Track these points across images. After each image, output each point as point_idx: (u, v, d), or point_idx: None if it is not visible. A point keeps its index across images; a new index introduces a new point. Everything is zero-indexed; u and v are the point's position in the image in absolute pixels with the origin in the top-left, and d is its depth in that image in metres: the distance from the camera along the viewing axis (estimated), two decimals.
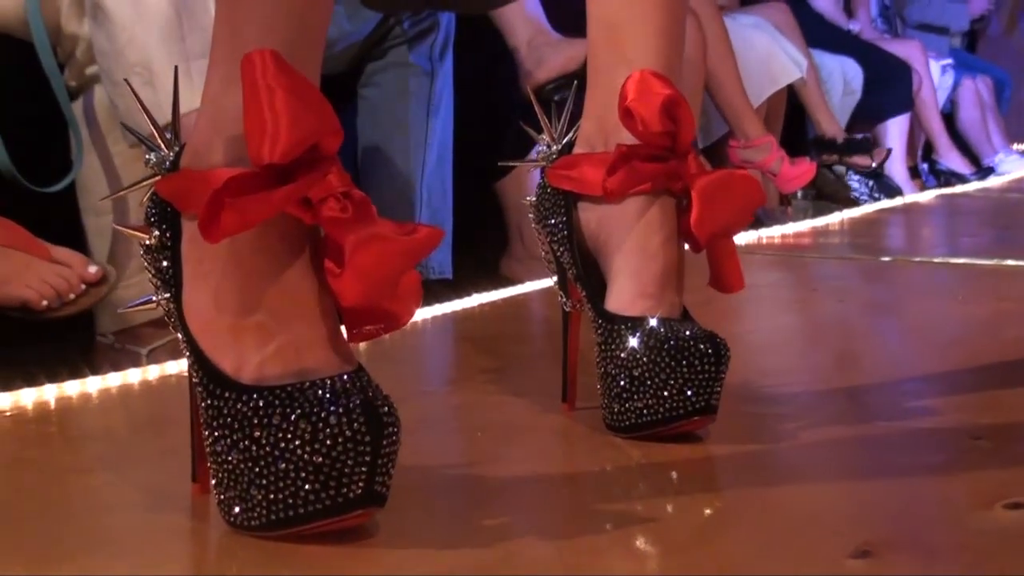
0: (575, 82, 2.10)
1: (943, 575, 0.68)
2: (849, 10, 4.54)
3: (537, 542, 0.73)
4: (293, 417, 0.68)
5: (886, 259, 2.08)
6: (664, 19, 0.95)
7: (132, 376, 1.16)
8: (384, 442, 0.67)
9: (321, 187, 0.69)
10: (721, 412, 0.92)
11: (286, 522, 0.68)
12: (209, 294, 0.73)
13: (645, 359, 0.90)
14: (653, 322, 0.92)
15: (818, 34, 3.79)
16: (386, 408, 0.68)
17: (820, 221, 2.70)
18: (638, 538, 0.75)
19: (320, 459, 0.67)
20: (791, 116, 3.52)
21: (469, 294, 1.67)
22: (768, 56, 3.24)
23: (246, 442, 0.69)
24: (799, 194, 3.50)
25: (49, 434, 1.02)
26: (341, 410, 0.67)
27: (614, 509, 0.80)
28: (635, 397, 0.91)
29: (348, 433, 0.66)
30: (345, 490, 0.67)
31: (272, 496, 0.68)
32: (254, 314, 0.71)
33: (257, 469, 0.68)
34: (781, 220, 2.97)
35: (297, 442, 0.67)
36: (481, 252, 2.24)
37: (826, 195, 3.65)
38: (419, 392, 1.15)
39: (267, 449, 0.68)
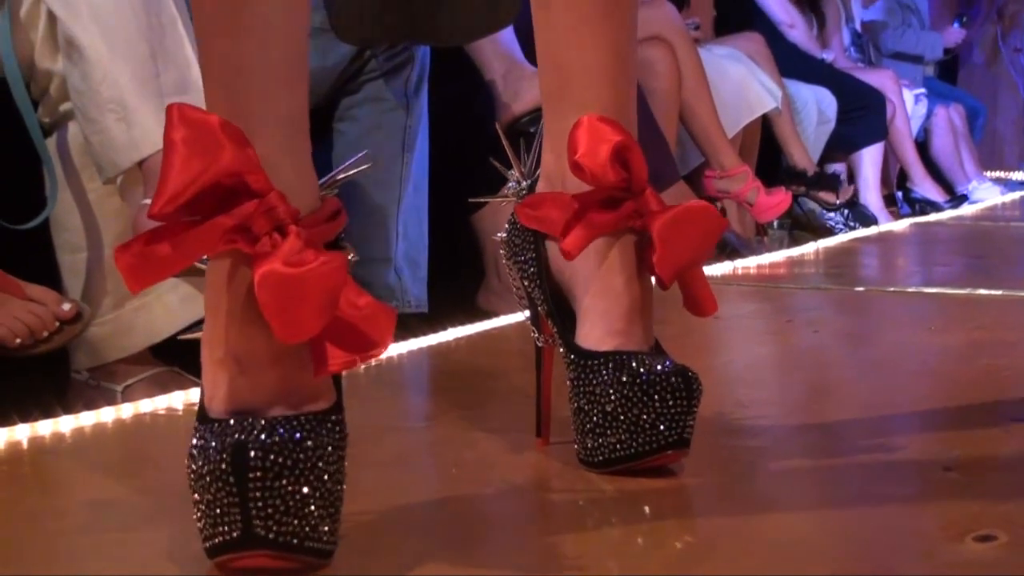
0: None
1: None
2: (823, 40, 4.57)
3: None
4: (194, 452, 0.71)
5: (860, 289, 2.09)
6: (613, 62, 0.95)
7: (106, 415, 1.16)
8: (250, 484, 0.68)
9: (262, 222, 0.70)
10: (695, 444, 0.93)
11: (209, 553, 0.71)
12: (206, 329, 0.75)
13: (617, 394, 0.90)
14: (624, 357, 0.92)
15: (792, 64, 3.82)
16: (258, 452, 0.68)
17: (795, 251, 2.71)
18: (613, 573, 0.75)
19: (203, 496, 0.69)
20: (766, 146, 3.53)
21: (445, 328, 1.67)
22: (743, 86, 3.26)
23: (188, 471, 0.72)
24: (775, 224, 3.51)
25: (22, 475, 1.02)
26: (211, 450, 0.69)
27: (588, 543, 0.81)
28: (608, 432, 0.91)
29: (216, 472, 0.68)
30: (225, 528, 0.69)
31: (198, 528, 0.71)
32: (219, 350, 0.73)
33: (194, 498, 0.71)
34: (757, 250, 2.98)
35: (192, 478, 0.70)
36: (458, 285, 2.24)
37: (801, 224, 3.67)
38: (394, 428, 1.15)
39: (189, 481, 0.71)
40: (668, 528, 0.83)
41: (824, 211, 3.66)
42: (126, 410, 1.18)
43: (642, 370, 0.90)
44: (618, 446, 0.91)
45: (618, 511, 0.88)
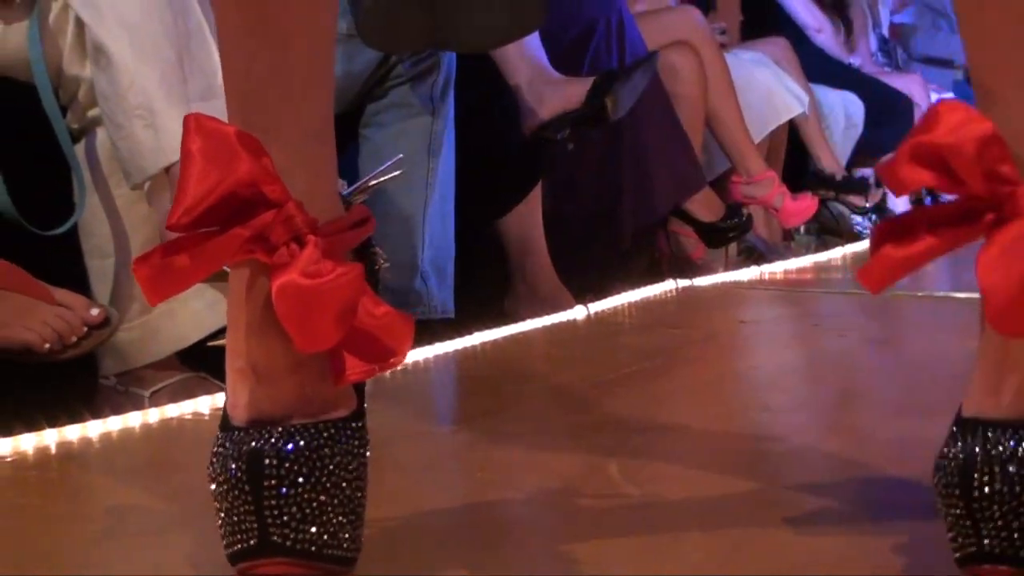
0: (572, 121, 2.12)
1: None
2: (850, 45, 4.55)
3: None
4: (214, 460, 0.71)
5: (886, 294, 2.08)
6: None
7: (133, 420, 1.17)
8: (265, 492, 0.68)
9: (279, 231, 0.70)
10: (722, 450, 0.92)
11: (230, 559, 0.71)
12: (227, 339, 0.75)
13: None
14: None
15: (819, 69, 3.80)
16: (272, 459, 0.68)
17: (823, 256, 2.70)
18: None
19: (222, 503, 0.70)
20: (793, 151, 3.52)
21: (471, 333, 1.68)
22: (769, 92, 3.24)
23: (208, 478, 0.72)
24: (802, 229, 3.50)
25: (50, 480, 1.02)
26: (229, 458, 0.70)
27: (610, 549, 0.80)
28: None
29: (233, 480, 0.69)
30: (242, 535, 0.69)
31: (220, 534, 0.71)
32: (239, 360, 0.73)
33: (214, 505, 0.71)
34: (784, 255, 2.97)
35: (212, 486, 0.71)
36: (484, 290, 2.24)
37: (829, 229, 3.66)
38: (420, 432, 1.15)
39: (210, 489, 0.71)
40: (691, 536, 0.83)
41: (853, 215, 3.65)
42: (153, 415, 1.19)
43: None
44: None
45: (643, 517, 0.87)
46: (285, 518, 0.68)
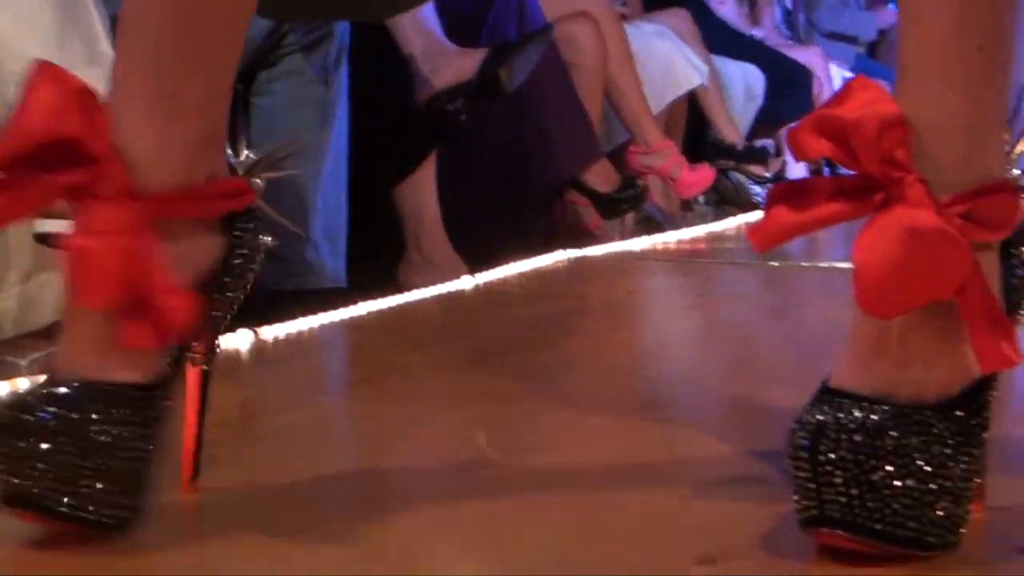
0: (466, 92, 2.12)
1: None
2: (754, 17, 4.59)
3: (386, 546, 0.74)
4: None
5: (775, 264, 2.11)
6: None
7: (5, 389, 1.16)
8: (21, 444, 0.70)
9: (96, 187, 0.72)
10: (596, 419, 0.93)
11: None
12: None
13: None
14: None
15: (720, 41, 3.83)
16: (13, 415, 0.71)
17: (716, 226, 2.73)
18: (484, 539, 0.76)
19: None
20: (693, 122, 3.55)
21: (364, 301, 1.68)
22: (669, 63, 3.26)
23: None
24: (701, 199, 3.53)
25: None
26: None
27: (475, 512, 0.82)
28: None
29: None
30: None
31: None
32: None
33: None
34: (682, 225, 3.00)
35: None
36: (378, 260, 2.24)
37: (728, 199, 3.69)
38: (303, 401, 1.15)
39: None
40: (549, 500, 0.84)
41: (752, 185, 3.69)
42: (24, 384, 1.18)
43: None
44: None
45: (505, 485, 0.88)
46: (37, 475, 0.70)
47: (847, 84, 0.71)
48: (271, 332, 1.44)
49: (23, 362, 1.41)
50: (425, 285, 1.91)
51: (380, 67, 2.14)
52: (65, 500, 0.70)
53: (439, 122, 2.16)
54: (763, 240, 0.73)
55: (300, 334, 1.50)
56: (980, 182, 0.72)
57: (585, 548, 0.75)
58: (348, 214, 1.99)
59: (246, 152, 0.83)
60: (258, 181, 0.83)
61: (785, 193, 0.72)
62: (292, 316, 1.52)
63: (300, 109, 1.96)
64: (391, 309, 1.68)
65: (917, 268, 0.68)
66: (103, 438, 0.71)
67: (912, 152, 0.69)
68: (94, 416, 0.71)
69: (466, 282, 1.88)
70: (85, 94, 0.71)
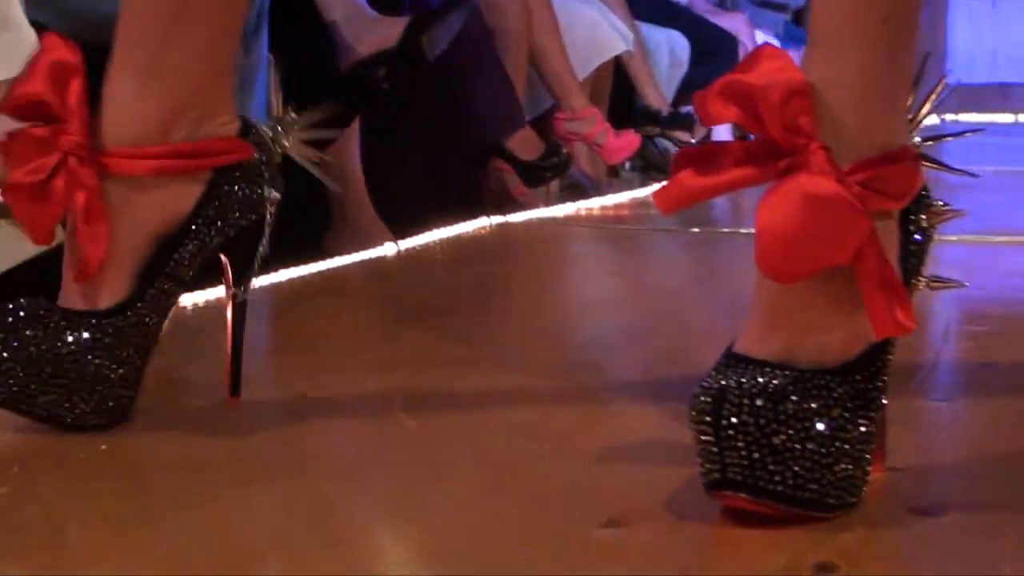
0: (389, 59, 2.12)
1: (689, 542, 0.71)
2: None
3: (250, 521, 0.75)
4: None
5: (695, 230, 2.13)
6: None
7: None
8: None
9: (58, 143, 0.87)
10: (512, 382, 0.94)
11: None
12: None
13: None
14: None
15: (645, 7, 3.84)
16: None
17: (640, 192, 2.75)
18: (400, 511, 0.77)
19: None
20: (619, 89, 3.56)
21: (287, 267, 1.67)
22: (594, 29, 3.27)
23: None
24: (627, 165, 3.55)
25: None
26: None
27: (384, 477, 0.83)
28: None
29: None
30: None
31: None
32: None
33: None
34: (608, 191, 3.02)
35: None
36: (302, 227, 2.23)
37: (654, 165, 3.72)
38: (219, 369, 1.15)
39: None
40: (461, 467, 0.85)
41: (678, 150, 3.71)
42: None
43: None
44: None
45: (418, 450, 0.89)
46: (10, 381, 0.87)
47: (756, 51, 0.72)
48: (190, 299, 1.44)
49: None
50: (349, 251, 1.91)
51: (301, 34, 2.13)
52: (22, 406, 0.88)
53: (362, 90, 2.16)
54: (668, 203, 0.74)
55: (220, 301, 1.49)
56: (882, 150, 0.73)
57: (491, 514, 0.76)
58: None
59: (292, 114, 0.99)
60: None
61: (691, 157, 0.74)
62: (212, 283, 1.51)
63: None
64: (313, 275, 1.68)
65: (815, 233, 0.70)
66: (56, 353, 0.87)
67: (817, 120, 0.71)
68: (37, 334, 0.87)
69: (389, 248, 1.89)
70: (59, 65, 0.86)
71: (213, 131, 0.91)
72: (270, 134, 0.96)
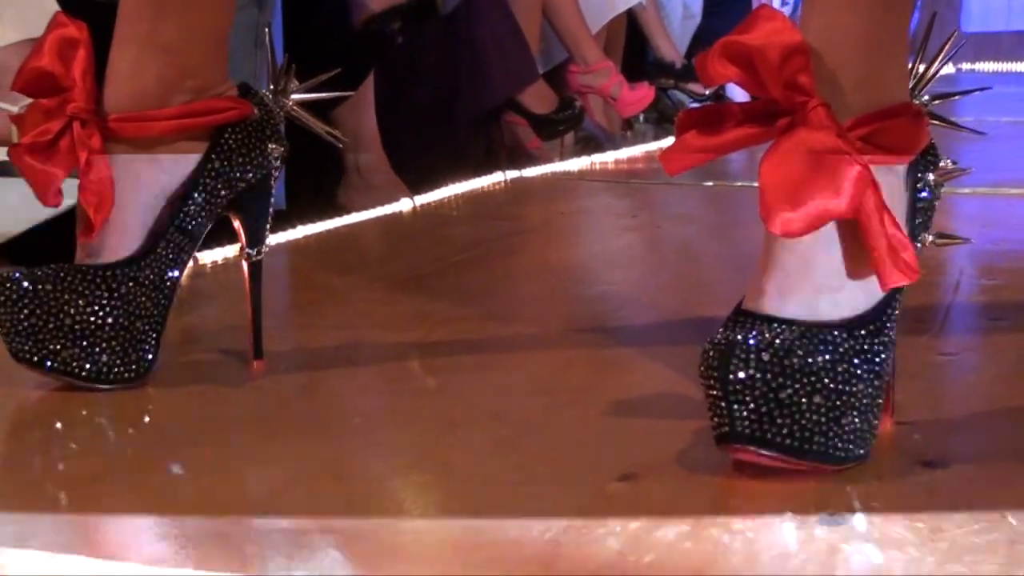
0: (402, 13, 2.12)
1: (700, 494, 0.73)
2: None
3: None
4: None
5: (709, 184, 2.14)
6: None
7: None
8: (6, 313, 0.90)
9: (66, 109, 0.91)
10: (526, 338, 0.95)
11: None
12: None
13: None
14: None
15: None
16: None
17: (653, 145, 2.75)
18: (417, 466, 0.78)
19: None
20: (632, 41, 3.56)
21: (303, 224, 1.69)
22: None
23: None
24: (641, 118, 3.55)
25: None
26: None
27: (405, 436, 0.84)
28: None
29: None
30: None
31: None
32: None
33: None
34: (621, 144, 3.02)
35: None
36: (318, 183, 2.24)
37: (668, 118, 3.71)
38: (240, 326, 1.17)
39: None
40: (479, 425, 0.87)
41: (692, 103, 3.71)
42: None
43: None
44: None
45: (434, 407, 0.91)
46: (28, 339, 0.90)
47: (754, 12, 0.73)
48: (208, 256, 1.45)
49: None
50: (365, 207, 1.92)
51: None
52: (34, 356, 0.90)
53: (375, 45, 2.16)
54: (673, 164, 0.75)
55: (237, 258, 1.51)
56: (881, 105, 0.75)
57: (507, 468, 0.78)
58: (287, 136, 1.99)
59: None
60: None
61: (695, 118, 0.75)
62: (231, 240, 1.53)
63: (233, 33, 1.94)
64: (329, 232, 1.69)
65: (817, 188, 0.71)
66: (73, 307, 0.90)
67: (815, 77, 0.72)
68: (50, 287, 0.90)
69: (404, 204, 1.90)
70: (64, 40, 0.90)
71: (213, 92, 0.96)
72: (270, 96, 1.00)
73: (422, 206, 1.91)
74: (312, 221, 1.71)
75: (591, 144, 3.09)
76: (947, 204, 0.83)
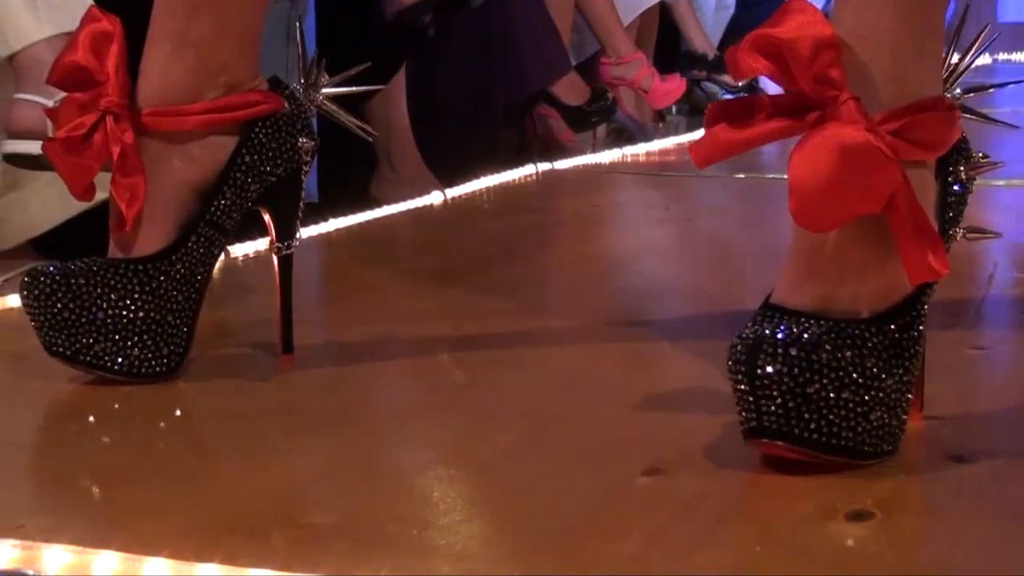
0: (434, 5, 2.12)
1: (727, 488, 0.73)
2: None
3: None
4: None
5: (740, 176, 2.13)
6: None
7: None
8: (24, 302, 0.91)
9: (101, 103, 0.92)
10: (557, 331, 0.96)
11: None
12: None
13: None
14: None
15: None
16: (29, 278, 0.90)
17: (684, 138, 2.74)
18: (446, 460, 0.79)
19: None
20: (665, 33, 3.55)
21: (335, 216, 1.69)
22: None
23: None
24: (673, 109, 3.54)
25: None
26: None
27: (434, 430, 0.85)
28: None
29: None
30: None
31: None
32: None
33: None
34: (653, 136, 3.01)
35: None
36: (350, 175, 2.25)
37: (700, 111, 3.70)
38: (270, 319, 1.18)
39: None
40: (506, 418, 0.87)
41: (725, 94, 3.70)
42: (5, 303, 1.20)
43: None
44: None
45: (464, 401, 0.91)
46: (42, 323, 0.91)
47: (785, 5, 0.73)
48: (241, 249, 1.46)
49: None
50: (396, 200, 1.93)
51: None
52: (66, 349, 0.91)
53: (407, 37, 2.17)
54: (703, 157, 0.75)
55: (268, 251, 1.51)
56: (913, 99, 0.74)
57: (535, 462, 0.78)
58: (319, 129, 2.00)
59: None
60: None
61: (725, 111, 0.75)
62: (262, 234, 1.54)
63: (266, 26, 1.95)
64: (360, 225, 1.70)
65: (847, 182, 0.71)
66: (99, 297, 0.91)
67: (846, 71, 0.72)
68: (83, 281, 0.90)
69: (436, 197, 1.90)
70: (96, 35, 0.92)
71: (244, 87, 0.96)
72: (300, 91, 1.00)
73: (453, 199, 1.91)
74: (344, 214, 1.72)
75: (623, 136, 3.08)
76: (981, 196, 0.82)
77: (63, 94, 0.94)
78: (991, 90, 0.89)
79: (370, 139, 1.05)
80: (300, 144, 0.98)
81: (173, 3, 0.94)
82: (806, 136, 0.72)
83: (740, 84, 3.65)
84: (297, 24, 1.05)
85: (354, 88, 1.03)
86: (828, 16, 0.74)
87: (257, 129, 0.96)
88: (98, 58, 0.92)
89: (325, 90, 1.01)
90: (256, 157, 0.96)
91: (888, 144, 0.72)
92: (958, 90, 0.82)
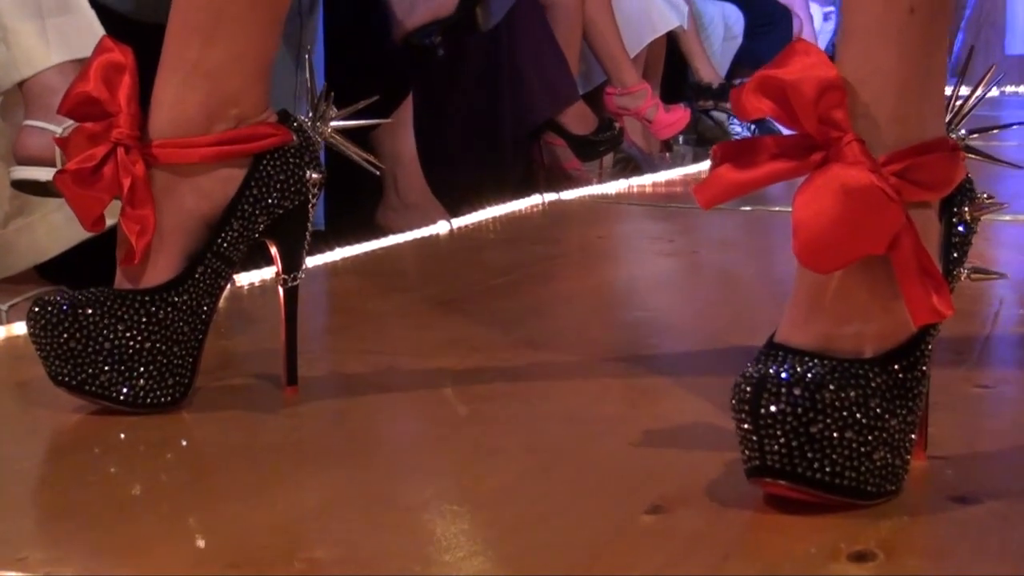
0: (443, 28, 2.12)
1: (730, 527, 0.73)
2: None
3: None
4: None
5: (747, 208, 2.14)
6: None
7: None
8: (30, 332, 0.91)
9: (111, 134, 0.93)
10: (560, 366, 0.95)
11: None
12: None
13: None
14: None
15: None
16: (36, 308, 0.91)
17: (692, 168, 2.75)
18: (449, 496, 0.79)
19: None
20: (673, 63, 3.56)
21: (342, 244, 1.70)
22: (647, 5, 3.27)
23: None
24: (680, 140, 3.55)
25: None
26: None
27: (437, 464, 0.84)
28: None
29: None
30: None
31: None
32: None
33: None
34: (659, 166, 3.02)
35: None
36: (357, 203, 2.25)
37: (708, 140, 3.71)
38: (271, 350, 1.18)
39: None
40: (508, 453, 0.87)
41: (733, 124, 3.70)
42: (11, 329, 1.20)
43: None
44: None
45: (468, 435, 0.91)
46: (49, 354, 0.91)
47: (789, 47, 0.74)
48: (246, 279, 1.46)
49: (3, 307, 1.43)
50: (403, 228, 1.93)
51: (355, 7, 2.15)
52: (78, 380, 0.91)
53: (415, 61, 2.17)
54: (708, 198, 0.76)
55: (274, 281, 1.51)
56: (916, 141, 0.75)
57: (538, 499, 0.78)
58: (326, 157, 2.00)
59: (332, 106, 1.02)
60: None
61: (729, 152, 0.75)
62: (268, 263, 1.54)
63: None
64: (366, 254, 1.70)
65: (850, 223, 0.71)
66: (112, 333, 0.91)
67: (850, 112, 0.72)
68: (90, 311, 0.91)
69: (442, 227, 1.90)
70: (108, 65, 0.93)
71: (254, 119, 0.96)
72: (308, 123, 1.00)
73: (459, 228, 1.92)
74: (350, 242, 1.72)
75: (630, 166, 3.09)
76: (986, 231, 0.82)
77: (72, 121, 0.95)
78: (995, 131, 0.89)
79: (377, 172, 1.05)
80: (308, 177, 0.98)
81: (187, 32, 0.95)
82: (810, 177, 0.73)
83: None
84: (307, 57, 1.05)
85: (362, 122, 1.03)
86: (831, 56, 0.75)
87: (266, 161, 0.96)
88: (110, 89, 0.93)
89: (333, 123, 1.01)
90: (264, 190, 0.96)
91: (892, 185, 0.72)
92: (963, 131, 0.83)
